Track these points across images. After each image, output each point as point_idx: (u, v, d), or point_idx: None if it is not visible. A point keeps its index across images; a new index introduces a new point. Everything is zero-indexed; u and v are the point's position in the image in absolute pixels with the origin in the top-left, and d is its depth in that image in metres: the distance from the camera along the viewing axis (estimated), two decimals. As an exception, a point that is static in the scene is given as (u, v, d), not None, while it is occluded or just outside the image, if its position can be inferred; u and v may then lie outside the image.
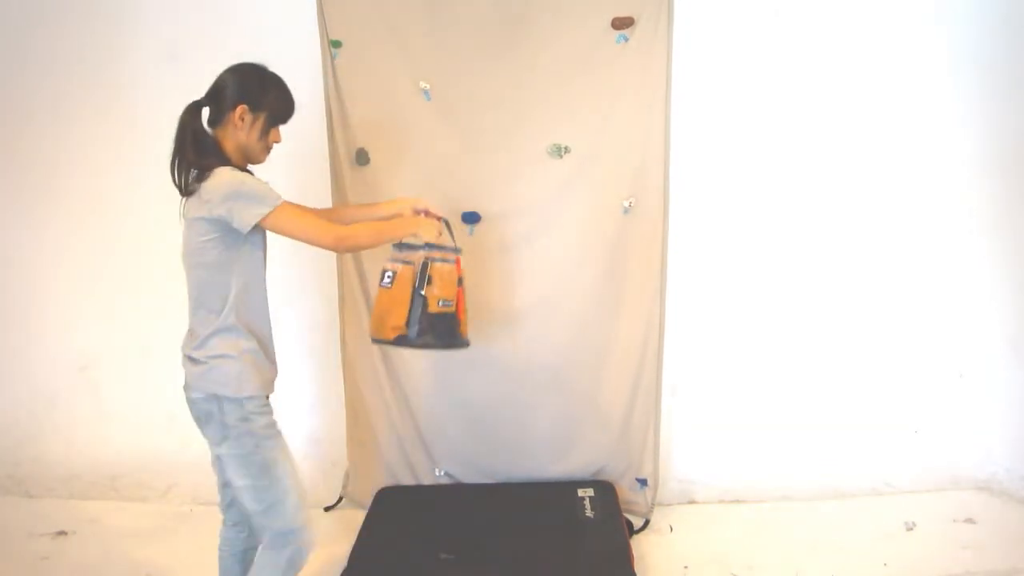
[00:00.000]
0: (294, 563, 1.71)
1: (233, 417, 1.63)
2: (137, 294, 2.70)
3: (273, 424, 1.70)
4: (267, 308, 1.75)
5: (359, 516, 2.43)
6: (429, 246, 1.87)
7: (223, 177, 1.60)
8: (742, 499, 2.70)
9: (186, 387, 1.71)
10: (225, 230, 1.61)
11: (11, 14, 2.56)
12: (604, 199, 2.47)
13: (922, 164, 2.57)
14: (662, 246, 2.50)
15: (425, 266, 1.86)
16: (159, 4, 2.51)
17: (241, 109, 1.66)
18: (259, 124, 1.70)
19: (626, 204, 2.47)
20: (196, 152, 1.63)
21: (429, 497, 2.11)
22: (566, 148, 2.44)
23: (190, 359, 1.69)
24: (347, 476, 2.72)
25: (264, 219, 1.60)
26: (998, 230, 2.62)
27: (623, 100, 2.40)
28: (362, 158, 2.47)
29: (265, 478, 1.66)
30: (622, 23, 2.36)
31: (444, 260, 1.90)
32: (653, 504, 2.62)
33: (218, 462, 1.72)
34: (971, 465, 2.72)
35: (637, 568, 2.17)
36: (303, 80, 2.42)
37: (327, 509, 2.67)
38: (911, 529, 2.49)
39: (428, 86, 2.42)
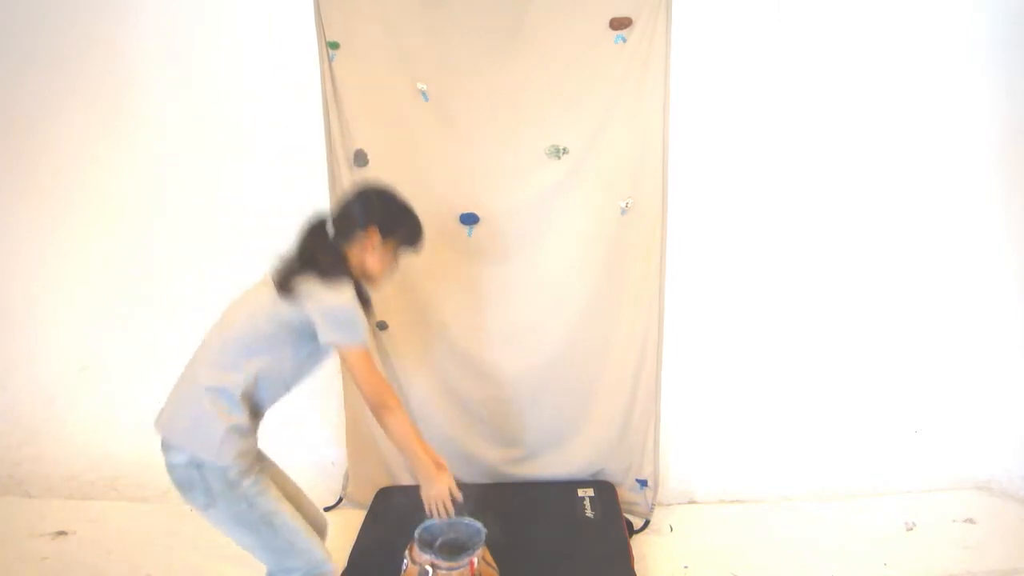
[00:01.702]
0: None
1: (218, 484, 1.58)
2: (138, 294, 2.71)
3: (258, 480, 1.64)
4: (279, 398, 1.73)
5: (359, 516, 2.43)
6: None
7: (340, 296, 1.60)
8: (742, 499, 2.70)
9: (164, 447, 1.63)
10: (305, 327, 1.62)
11: (14, 16, 2.57)
12: (602, 200, 2.47)
13: (921, 164, 2.57)
14: (661, 246, 2.50)
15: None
16: (159, 5, 2.51)
17: (373, 232, 1.70)
18: (388, 249, 1.75)
19: (623, 205, 2.47)
20: (328, 262, 1.64)
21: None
22: (564, 149, 2.44)
23: (175, 411, 1.64)
24: (347, 476, 2.73)
25: (340, 347, 1.63)
26: (998, 230, 2.62)
27: (621, 101, 2.40)
28: (360, 159, 2.47)
29: (268, 529, 1.62)
30: (620, 24, 2.36)
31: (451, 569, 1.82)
32: (653, 505, 2.61)
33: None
34: (971, 465, 2.72)
35: (637, 568, 2.17)
36: (300, 81, 2.45)
37: (327, 509, 2.67)
38: (911, 529, 2.49)
39: (426, 87, 2.42)
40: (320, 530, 1.87)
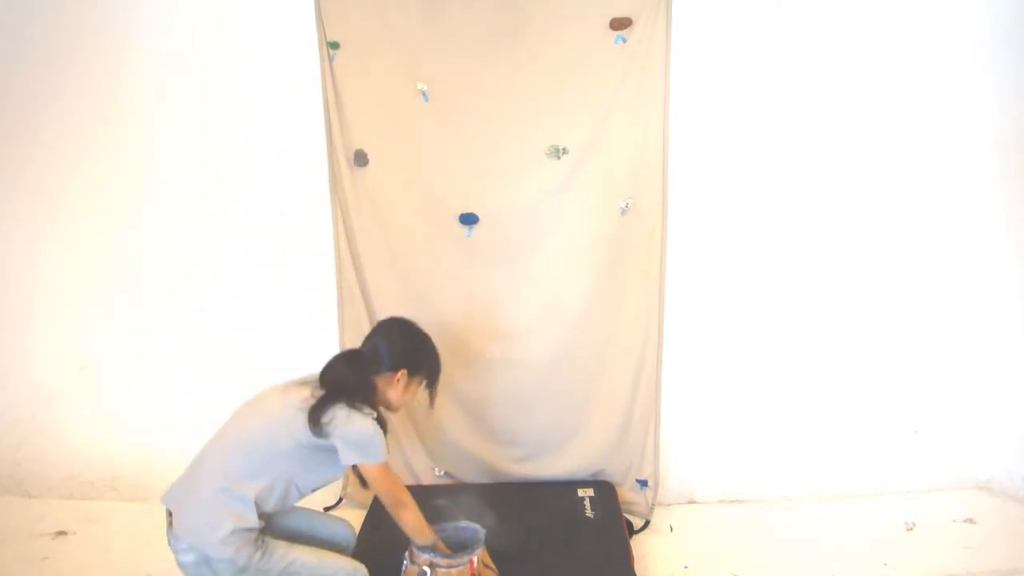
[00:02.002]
0: None
1: (228, 572, 1.67)
2: (137, 295, 2.71)
3: (261, 547, 1.70)
4: (292, 503, 1.81)
5: (359, 516, 2.43)
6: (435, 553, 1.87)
7: (364, 423, 1.71)
8: (742, 499, 2.70)
9: (172, 547, 1.71)
10: (326, 448, 1.71)
11: (14, 17, 2.57)
12: (602, 200, 2.47)
13: (921, 165, 2.57)
14: (661, 247, 2.50)
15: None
16: (159, 5, 2.51)
17: (401, 374, 1.83)
18: (413, 385, 1.89)
19: (624, 205, 2.47)
20: (356, 391, 1.75)
21: (429, 496, 2.12)
22: (564, 149, 2.44)
23: (186, 508, 1.69)
24: (347, 476, 2.72)
25: (362, 466, 1.73)
26: (998, 230, 2.62)
27: (621, 101, 2.40)
28: (360, 159, 2.47)
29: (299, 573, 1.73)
30: (620, 24, 2.36)
31: (450, 567, 1.86)
32: (654, 505, 2.61)
33: None
34: (971, 465, 2.72)
35: (637, 568, 2.17)
36: (301, 81, 2.45)
37: (327, 509, 2.67)
38: (911, 529, 2.49)
39: (426, 87, 2.42)
40: (344, 538, 1.97)
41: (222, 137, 2.56)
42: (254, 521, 1.69)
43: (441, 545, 1.91)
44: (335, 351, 2.59)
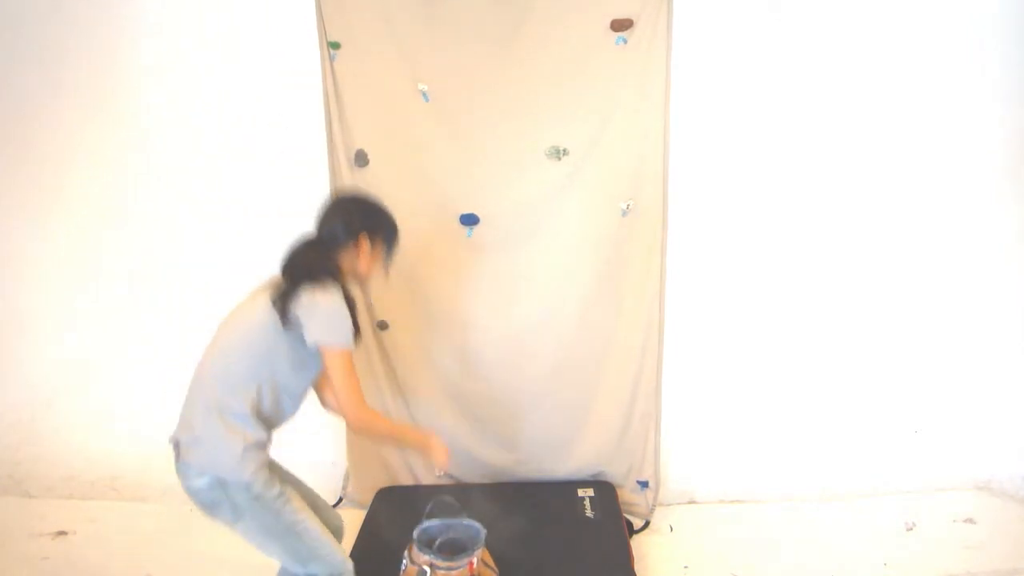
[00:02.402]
0: None
1: (243, 499, 1.61)
2: (137, 295, 2.71)
3: (283, 492, 1.66)
4: (290, 412, 1.76)
5: (359, 516, 2.43)
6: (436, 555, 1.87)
7: (327, 296, 1.62)
8: (742, 499, 2.70)
9: (182, 474, 1.65)
10: (303, 341, 1.64)
11: (14, 14, 2.56)
12: (603, 201, 2.47)
13: (922, 166, 2.57)
14: (661, 248, 2.50)
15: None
16: (159, 5, 2.51)
17: (362, 238, 1.76)
18: (377, 250, 1.81)
19: (624, 206, 2.47)
20: (319, 268, 1.67)
21: (429, 497, 2.12)
22: (565, 150, 2.44)
23: (191, 437, 1.64)
24: (347, 476, 2.73)
25: (324, 347, 1.63)
26: (998, 230, 2.62)
27: (622, 102, 2.40)
28: (361, 159, 2.48)
29: (293, 538, 1.66)
30: (621, 25, 2.36)
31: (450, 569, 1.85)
32: (654, 506, 2.61)
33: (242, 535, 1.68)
34: (971, 465, 2.72)
35: (637, 568, 2.17)
36: (301, 81, 2.45)
37: (327, 509, 2.67)
38: (911, 529, 2.49)
39: (427, 87, 2.42)
40: (336, 531, 1.90)
41: (222, 137, 2.56)
42: (261, 435, 1.64)
43: (410, 427, 1.88)
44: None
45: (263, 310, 1.64)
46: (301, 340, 1.64)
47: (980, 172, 2.58)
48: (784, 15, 2.44)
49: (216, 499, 1.61)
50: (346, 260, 1.76)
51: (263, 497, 1.61)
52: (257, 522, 1.63)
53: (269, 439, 1.69)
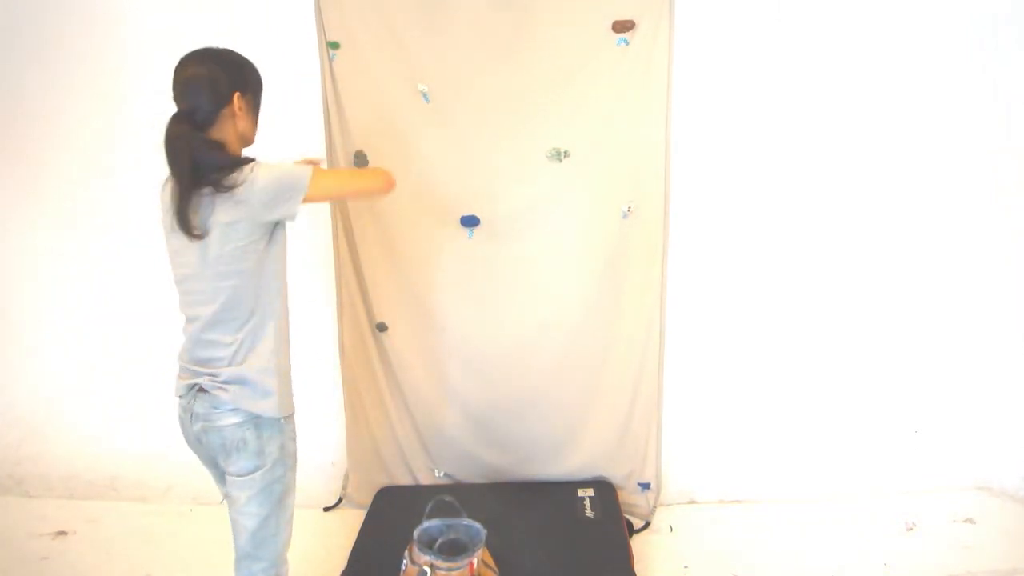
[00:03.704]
0: None
1: (273, 443, 1.55)
2: (137, 294, 2.71)
3: (294, 452, 1.62)
4: (285, 312, 1.65)
5: (359, 516, 2.44)
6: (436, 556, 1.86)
7: (257, 173, 1.47)
8: (742, 499, 2.70)
9: (206, 417, 1.54)
10: (266, 228, 1.52)
11: (12, 18, 2.56)
12: (604, 203, 2.46)
13: (922, 168, 2.56)
14: (663, 250, 2.50)
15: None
16: (155, 4, 2.51)
17: (237, 97, 1.57)
18: (252, 104, 1.64)
19: (625, 208, 2.46)
20: (212, 159, 1.48)
21: (429, 497, 2.12)
22: (566, 152, 2.43)
23: (218, 383, 1.53)
24: (347, 476, 2.73)
25: (307, 195, 1.51)
26: (998, 230, 2.62)
27: (623, 104, 2.39)
28: (360, 161, 2.47)
29: (279, 508, 1.59)
30: (623, 26, 2.35)
31: (450, 570, 1.85)
32: (655, 507, 2.61)
33: (236, 493, 1.57)
34: (971, 465, 2.72)
35: (637, 568, 2.18)
36: (301, 82, 2.44)
37: (327, 509, 2.67)
38: (911, 529, 2.49)
39: (427, 88, 2.41)
40: None
41: (222, 137, 2.56)
42: (287, 360, 1.58)
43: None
44: (334, 354, 2.62)
45: (223, 234, 1.48)
46: (266, 230, 1.51)
47: (980, 173, 2.58)
48: (786, 17, 2.44)
49: (244, 439, 1.52)
50: (226, 126, 1.56)
51: (286, 448, 1.57)
52: (268, 478, 1.55)
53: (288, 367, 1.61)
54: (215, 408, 1.54)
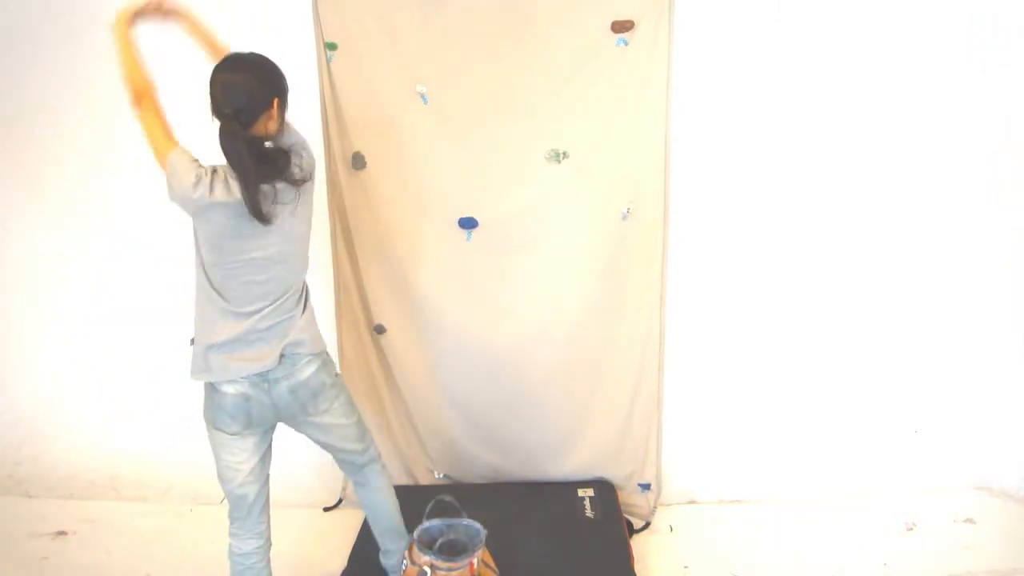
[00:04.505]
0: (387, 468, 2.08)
1: (333, 371, 1.87)
2: (137, 294, 2.71)
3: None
4: None
5: (359, 516, 2.43)
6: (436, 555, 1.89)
7: (304, 151, 1.77)
8: (742, 499, 2.70)
9: (286, 373, 1.75)
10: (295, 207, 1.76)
11: (3, 13, 2.56)
12: (603, 204, 2.45)
13: (922, 169, 2.56)
14: (662, 251, 2.49)
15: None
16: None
17: (276, 103, 1.71)
18: (283, 107, 1.76)
19: (625, 209, 2.46)
20: (276, 153, 1.70)
21: (428, 497, 2.12)
22: (564, 153, 2.42)
23: (296, 343, 1.76)
24: (345, 479, 2.72)
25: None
26: (998, 230, 2.61)
27: (623, 104, 2.38)
28: (358, 162, 2.47)
29: (357, 409, 1.96)
30: (622, 27, 2.34)
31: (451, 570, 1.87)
32: (655, 507, 2.61)
33: (315, 428, 1.87)
34: (971, 465, 2.72)
35: (637, 568, 2.18)
36: (298, 83, 2.43)
37: (327, 510, 2.67)
38: (911, 529, 2.49)
39: (425, 89, 2.40)
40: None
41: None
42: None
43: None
44: (333, 355, 2.58)
45: (304, 217, 1.82)
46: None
47: (980, 173, 2.57)
48: (786, 17, 2.43)
49: (322, 381, 1.80)
50: (258, 131, 1.70)
51: (336, 369, 1.91)
52: (344, 394, 1.90)
53: None
54: (292, 369, 1.77)
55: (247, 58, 1.72)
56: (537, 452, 2.63)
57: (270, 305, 1.72)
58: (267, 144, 1.68)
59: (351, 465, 1.98)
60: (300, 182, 1.71)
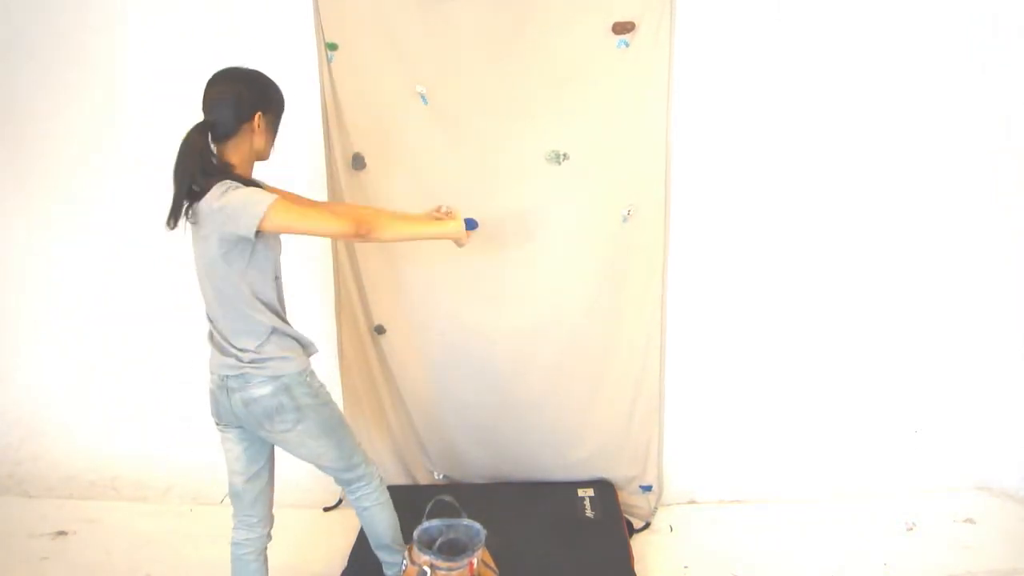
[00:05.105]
0: (385, 487, 1.97)
1: (304, 395, 1.73)
2: (137, 294, 2.71)
3: (322, 384, 1.82)
4: (281, 294, 1.81)
5: (359, 517, 2.44)
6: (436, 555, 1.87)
7: (227, 193, 1.61)
8: (742, 499, 2.70)
9: (238, 389, 1.70)
10: (234, 240, 1.62)
11: (3, 13, 2.56)
12: (604, 206, 2.45)
13: (922, 169, 2.56)
14: (663, 253, 2.49)
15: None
16: (154, 5, 2.51)
17: (258, 117, 1.69)
18: (272, 123, 1.76)
19: (625, 211, 2.45)
20: (205, 173, 1.63)
21: (428, 497, 2.12)
22: (565, 154, 2.42)
23: (249, 363, 1.69)
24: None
25: (262, 221, 1.58)
26: (998, 230, 2.61)
27: (623, 106, 2.38)
28: (358, 163, 2.47)
29: (341, 430, 1.83)
30: (623, 28, 2.33)
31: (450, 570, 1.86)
32: (656, 508, 2.61)
33: (282, 447, 1.79)
34: (971, 465, 2.72)
35: (637, 568, 2.18)
36: (299, 83, 2.43)
37: (327, 510, 2.67)
38: (911, 529, 2.49)
39: (425, 90, 2.40)
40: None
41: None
42: (290, 329, 1.76)
43: (421, 217, 1.98)
44: (333, 356, 2.61)
45: (207, 242, 1.64)
46: (240, 242, 1.62)
47: (980, 173, 2.57)
48: (787, 19, 2.43)
49: (279, 404, 1.70)
50: (242, 144, 1.69)
51: (317, 389, 1.78)
52: (319, 418, 1.76)
53: (292, 334, 1.77)
54: (241, 386, 1.72)
55: (236, 71, 1.71)
56: (537, 454, 2.63)
57: (218, 319, 1.71)
58: (226, 179, 1.63)
59: (337, 480, 1.94)
60: (194, 218, 1.64)
